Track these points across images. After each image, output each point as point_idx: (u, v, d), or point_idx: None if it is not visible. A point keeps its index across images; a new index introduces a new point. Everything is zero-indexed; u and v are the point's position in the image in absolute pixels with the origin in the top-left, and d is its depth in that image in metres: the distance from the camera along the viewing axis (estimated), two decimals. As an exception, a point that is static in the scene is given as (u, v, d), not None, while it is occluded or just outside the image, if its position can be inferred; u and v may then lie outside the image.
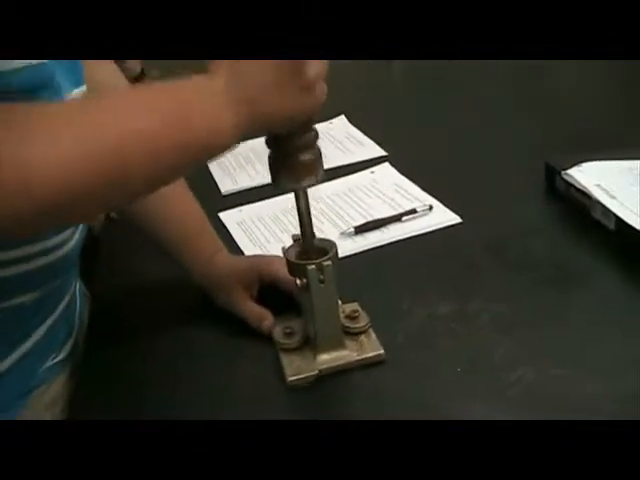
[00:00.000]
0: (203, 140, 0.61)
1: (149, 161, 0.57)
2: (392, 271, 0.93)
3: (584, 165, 0.99)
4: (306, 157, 0.68)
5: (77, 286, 0.94)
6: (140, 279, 0.99)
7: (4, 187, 0.52)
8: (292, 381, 0.76)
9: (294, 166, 0.69)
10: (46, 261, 0.79)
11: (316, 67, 0.63)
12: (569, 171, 0.98)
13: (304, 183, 0.70)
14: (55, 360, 0.86)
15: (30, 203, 0.53)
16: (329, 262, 0.72)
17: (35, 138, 0.53)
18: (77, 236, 0.83)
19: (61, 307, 0.86)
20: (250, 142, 1.33)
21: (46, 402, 0.85)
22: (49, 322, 0.84)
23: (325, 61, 0.64)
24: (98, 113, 0.57)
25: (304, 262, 0.73)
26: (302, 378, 0.76)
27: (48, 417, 0.85)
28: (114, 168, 0.56)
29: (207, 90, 0.60)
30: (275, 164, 0.70)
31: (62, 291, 0.87)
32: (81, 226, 0.84)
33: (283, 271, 0.78)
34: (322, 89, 0.65)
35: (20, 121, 0.53)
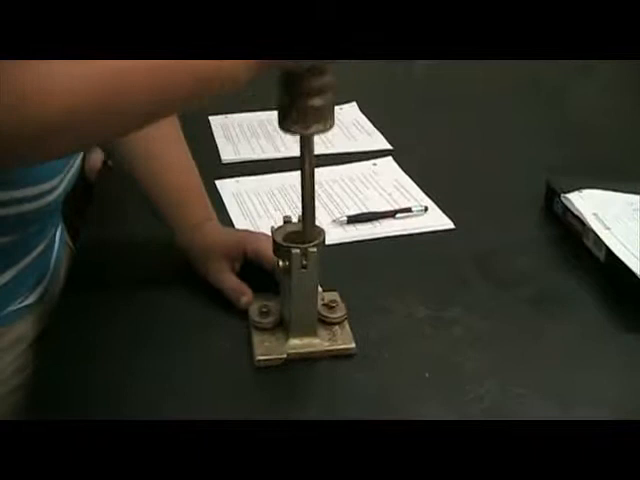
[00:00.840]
0: (216, 71, 0.58)
1: (156, 83, 0.56)
2: (377, 266, 0.93)
3: (585, 191, 0.98)
4: (318, 102, 0.65)
5: (57, 233, 0.94)
6: (127, 235, 0.99)
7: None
8: (260, 361, 0.76)
9: (304, 109, 0.65)
10: (25, 209, 0.78)
11: None
12: (569, 195, 0.98)
13: (312, 129, 0.66)
14: (22, 304, 0.86)
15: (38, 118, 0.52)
16: (314, 249, 0.72)
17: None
18: (62, 187, 0.83)
19: (34, 253, 0.86)
20: (259, 115, 1.33)
21: (4, 344, 0.85)
22: (19, 266, 0.84)
23: None
24: None
25: (289, 245, 0.73)
26: (270, 359, 0.76)
27: (5, 359, 0.86)
28: (119, 84, 0.54)
29: None
30: (284, 105, 0.66)
31: (37, 238, 0.86)
32: (67, 178, 0.83)
33: (268, 249, 0.78)
34: None
35: None
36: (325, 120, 0.67)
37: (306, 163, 0.71)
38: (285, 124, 0.67)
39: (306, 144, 0.70)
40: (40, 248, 0.87)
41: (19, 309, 0.86)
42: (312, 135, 0.69)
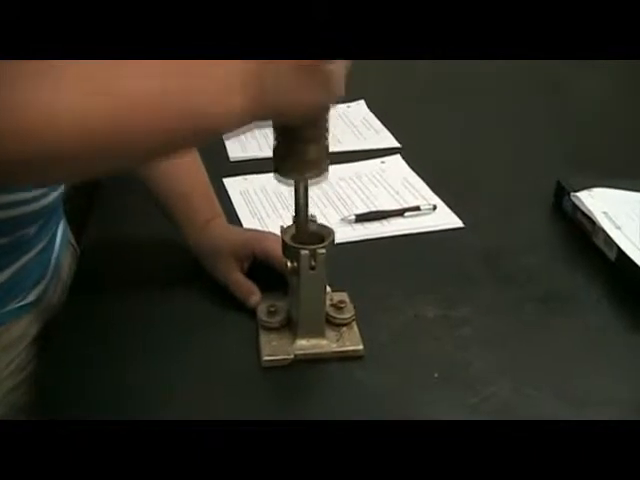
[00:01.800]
0: (210, 119, 0.58)
1: (151, 130, 0.56)
2: (386, 265, 0.93)
3: (595, 190, 0.98)
4: (313, 151, 0.66)
5: (58, 231, 0.93)
6: (132, 233, 0.98)
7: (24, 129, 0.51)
8: (266, 361, 0.75)
9: (300, 158, 0.66)
10: (24, 211, 0.78)
11: (336, 64, 0.60)
12: (579, 194, 0.97)
13: (307, 175, 0.68)
14: (21, 303, 0.86)
15: (42, 147, 0.52)
16: (323, 250, 0.71)
17: (53, 87, 0.52)
18: (61, 187, 0.82)
19: (34, 252, 0.85)
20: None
21: (4, 343, 0.85)
22: (18, 265, 0.83)
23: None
24: (112, 75, 0.55)
25: (298, 246, 0.72)
26: (277, 360, 0.75)
27: (5, 357, 0.85)
28: (116, 129, 0.54)
29: (222, 69, 0.58)
30: (280, 152, 0.67)
31: (37, 237, 0.86)
32: None
33: (277, 249, 0.77)
34: (340, 86, 0.62)
35: (49, 72, 0.52)
36: (321, 167, 0.68)
37: (301, 205, 0.72)
38: (281, 171, 0.68)
39: (300, 188, 0.71)
40: (40, 246, 0.86)
41: (19, 307, 0.85)
42: (307, 180, 0.70)
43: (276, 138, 0.67)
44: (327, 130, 0.67)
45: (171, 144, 0.59)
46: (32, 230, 0.83)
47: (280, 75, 0.58)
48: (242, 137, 1.25)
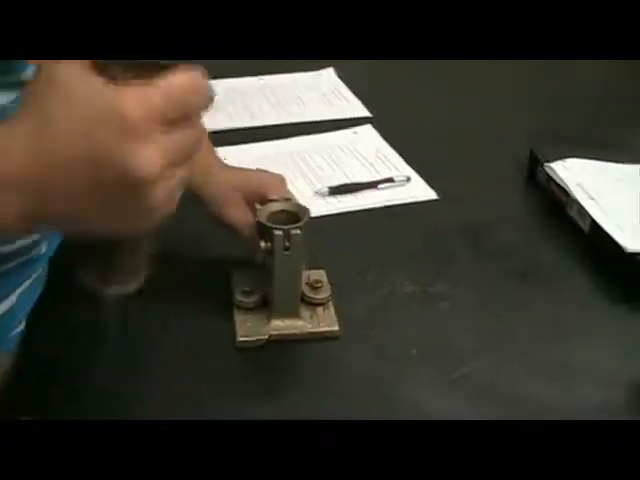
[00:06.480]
0: None
1: None
2: (360, 240, 0.91)
3: (569, 160, 0.97)
4: (137, 258, 0.57)
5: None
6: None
7: None
8: (241, 342, 0.74)
9: (124, 269, 0.57)
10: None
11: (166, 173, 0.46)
12: (552, 164, 0.96)
13: (131, 287, 0.58)
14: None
15: None
16: (297, 231, 0.70)
17: None
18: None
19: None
20: (228, 80, 1.28)
21: None
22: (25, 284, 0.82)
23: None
24: None
25: (272, 225, 0.71)
26: (251, 340, 0.74)
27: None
28: None
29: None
30: (101, 264, 0.57)
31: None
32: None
33: (277, 190, 0.77)
34: (170, 201, 0.47)
35: None
36: (142, 274, 0.58)
37: None
38: (106, 286, 0.58)
39: None
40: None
41: None
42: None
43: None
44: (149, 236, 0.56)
45: None
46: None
47: (72, 180, 0.45)
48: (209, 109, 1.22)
